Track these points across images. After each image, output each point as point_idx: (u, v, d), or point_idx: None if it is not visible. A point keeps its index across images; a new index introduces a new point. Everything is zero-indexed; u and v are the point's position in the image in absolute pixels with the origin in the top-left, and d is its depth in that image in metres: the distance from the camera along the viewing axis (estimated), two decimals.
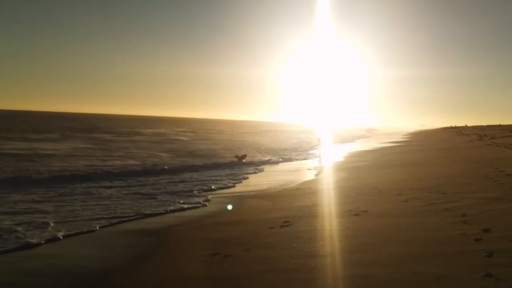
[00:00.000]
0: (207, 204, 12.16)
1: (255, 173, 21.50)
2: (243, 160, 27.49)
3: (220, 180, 17.92)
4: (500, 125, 74.46)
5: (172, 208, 11.42)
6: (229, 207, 10.00)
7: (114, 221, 9.85)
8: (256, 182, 17.86)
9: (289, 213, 9.86)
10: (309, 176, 19.60)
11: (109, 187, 15.31)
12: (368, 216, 8.80)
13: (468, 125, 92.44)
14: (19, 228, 9.00)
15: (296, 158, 31.64)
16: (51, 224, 9.40)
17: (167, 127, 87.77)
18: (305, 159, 30.43)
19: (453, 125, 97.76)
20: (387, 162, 23.02)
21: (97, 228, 9.27)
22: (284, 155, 34.02)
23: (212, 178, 18.68)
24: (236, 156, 28.43)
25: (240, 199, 13.00)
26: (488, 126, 77.68)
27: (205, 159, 28.33)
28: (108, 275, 6.36)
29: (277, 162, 28.08)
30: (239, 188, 15.91)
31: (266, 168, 24.15)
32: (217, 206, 11.84)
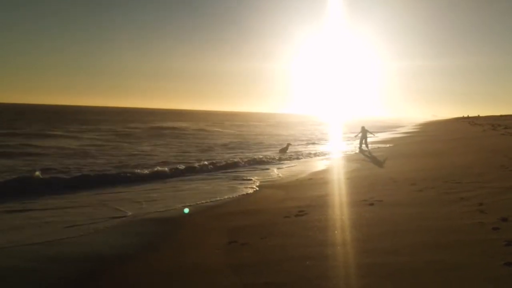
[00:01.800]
0: None
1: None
2: (287, 151, 27.66)
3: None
4: None
5: None
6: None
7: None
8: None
9: (303, 202, 9.87)
10: (322, 165, 19.57)
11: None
12: (383, 205, 8.78)
13: (481, 115, 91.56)
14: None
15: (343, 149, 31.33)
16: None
17: (186, 121, 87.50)
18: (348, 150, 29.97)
19: (466, 115, 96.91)
20: (400, 153, 22.92)
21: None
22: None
23: None
24: (282, 149, 28.52)
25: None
26: (501, 116, 76.83)
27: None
28: (127, 262, 6.43)
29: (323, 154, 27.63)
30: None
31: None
32: None
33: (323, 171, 17.20)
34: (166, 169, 17.28)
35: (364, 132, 28.06)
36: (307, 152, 28.19)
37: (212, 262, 6.08)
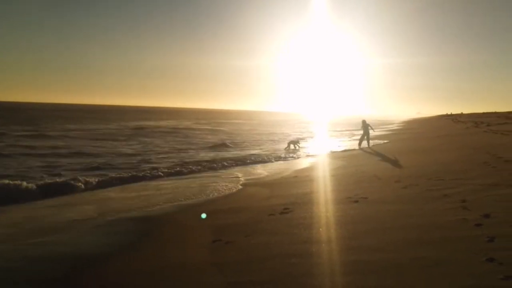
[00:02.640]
0: None
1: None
2: (297, 146, 27.83)
3: None
4: (496, 112, 74.55)
5: None
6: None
7: None
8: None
9: (288, 200, 9.87)
10: (307, 163, 19.61)
11: None
12: (368, 202, 8.82)
13: (464, 112, 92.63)
14: None
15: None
16: None
17: (165, 120, 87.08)
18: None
19: (449, 112, 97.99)
20: (385, 150, 23.03)
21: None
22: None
23: None
24: (289, 144, 28.56)
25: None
26: (484, 113, 77.76)
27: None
28: (109, 261, 6.35)
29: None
30: None
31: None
32: None
33: (308, 169, 17.24)
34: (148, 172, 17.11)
35: (366, 127, 26.60)
36: (306, 150, 28.13)
37: (196, 260, 6.03)
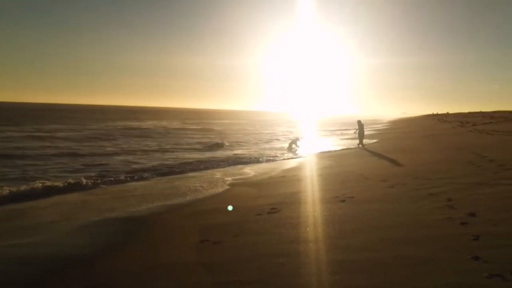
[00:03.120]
0: None
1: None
2: (296, 146, 27.60)
3: None
4: (481, 112, 75.43)
5: None
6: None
7: None
8: None
9: (276, 200, 9.88)
10: (295, 163, 19.64)
11: None
12: (355, 202, 8.86)
13: (450, 112, 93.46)
14: None
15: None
16: None
17: (166, 119, 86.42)
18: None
19: (435, 112, 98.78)
20: (371, 150, 23.16)
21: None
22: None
23: None
24: (291, 144, 28.38)
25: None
26: (469, 113, 78.57)
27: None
28: (95, 262, 6.32)
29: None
30: None
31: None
32: None
33: (296, 169, 17.28)
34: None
35: (361, 127, 26.91)
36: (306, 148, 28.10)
37: (184, 261, 6.01)
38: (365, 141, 27.95)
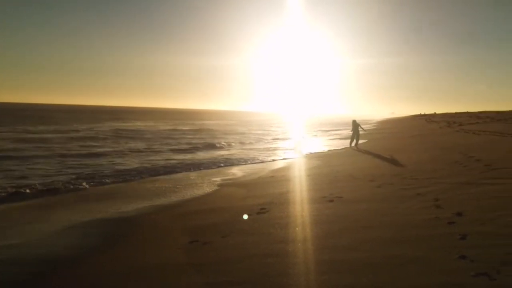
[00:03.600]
0: None
1: None
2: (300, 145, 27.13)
3: None
4: (468, 112, 76.01)
5: None
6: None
7: None
8: None
9: (265, 200, 9.89)
10: (283, 163, 19.66)
11: None
12: (343, 202, 8.90)
13: (437, 112, 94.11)
14: None
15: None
16: None
17: (154, 120, 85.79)
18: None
19: (423, 112, 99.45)
20: (360, 150, 23.26)
21: None
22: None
23: None
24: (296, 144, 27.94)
25: None
26: (456, 113, 79.17)
27: None
28: (83, 263, 6.28)
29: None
30: None
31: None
32: None
33: (284, 169, 17.30)
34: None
35: (356, 127, 26.31)
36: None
37: (173, 261, 5.99)
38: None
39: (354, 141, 26.18)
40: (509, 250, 4.96)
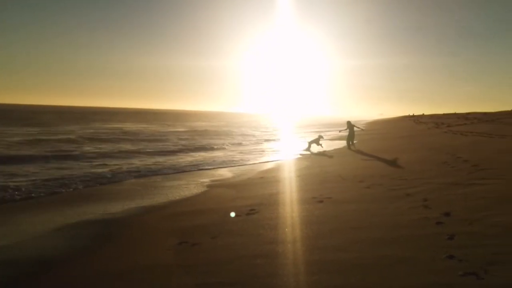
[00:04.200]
0: None
1: None
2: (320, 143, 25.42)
3: None
4: (455, 113, 76.55)
5: None
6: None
7: None
8: None
9: (254, 201, 9.88)
10: (273, 164, 19.67)
11: None
12: (332, 202, 8.93)
13: (426, 113, 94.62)
14: None
15: None
16: None
17: (144, 122, 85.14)
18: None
19: (411, 113, 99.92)
20: (349, 151, 23.36)
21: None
22: None
23: None
24: (310, 144, 25.62)
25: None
26: (444, 114, 79.71)
27: None
28: (72, 264, 6.22)
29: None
30: None
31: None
32: None
33: (274, 169, 17.31)
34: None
35: (351, 128, 25.66)
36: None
37: (163, 262, 5.96)
38: (342, 142, 27.72)
39: (351, 141, 25.38)
40: (496, 250, 5.02)
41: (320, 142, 25.65)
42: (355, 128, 26.11)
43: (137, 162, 20.97)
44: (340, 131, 29.17)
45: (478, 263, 4.66)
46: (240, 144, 35.54)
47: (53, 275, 5.87)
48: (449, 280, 4.30)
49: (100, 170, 17.32)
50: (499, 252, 4.96)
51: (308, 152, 24.44)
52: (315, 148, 25.36)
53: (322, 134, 27.21)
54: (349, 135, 25.73)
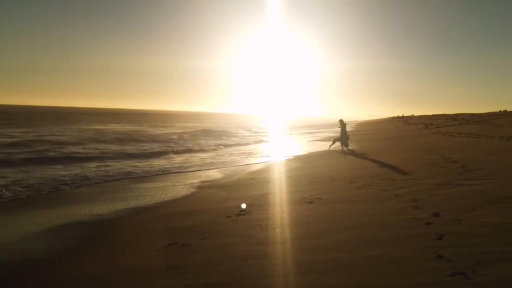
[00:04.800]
0: None
1: None
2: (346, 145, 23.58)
3: None
4: (444, 114, 77.11)
5: None
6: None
7: None
8: None
9: (245, 202, 9.87)
10: (263, 164, 19.69)
11: None
12: (322, 203, 8.96)
13: (415, 114, 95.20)
14: None
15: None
16: None
17: (133, 123, 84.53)
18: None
19: (401, 114, 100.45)
20: (339, 151, 23.40)
21: None
22: None
23: None
24: (334, 141, 24.54)
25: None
26: (433, 115, 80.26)
27: None
28: (58, 267, 6.19)
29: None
30: None
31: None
32: None
33: (264, 170, 17.32)
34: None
35: (344, 127, 23.52)
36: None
37: (152, 264, 5.93)
38: (330, 143, 26.01)
39: (347, 142, 23.39)
40: (484, 250, 5.07)
41: (345, 142, 23.58)
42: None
43: (127, 164, 20.88)
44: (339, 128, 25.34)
45: (466, 262, 4.70)
46: (230, 145, 35.50)
47: (39, 277, 5.83)
48: (437, 280, 4.33)
49: (71, 173, 17.12)
50: (487, 251, 5.02)
51: (336, 148, 23.44)
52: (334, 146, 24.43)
53: (346, 135, 24.33)
54: (341, 135, 23.67)
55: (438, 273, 4.50)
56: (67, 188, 13.69)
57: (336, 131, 25.23)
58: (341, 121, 24.27)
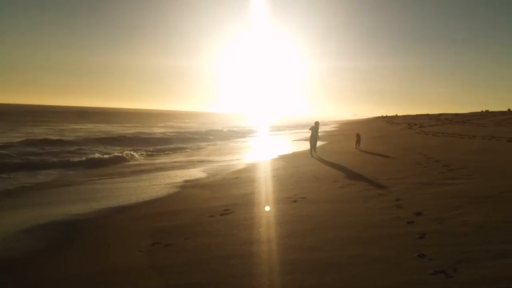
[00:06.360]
0: None
1: None
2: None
3: None
4: (428, 114, 77.99)
5: None
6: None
7: None
8: None
9: (229, 201, 9.84)
10: (248, 164, 19.66)
11: None
12: (306, 202, 8.98)
13: (399, 114, 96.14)
14: None
15: None
16: None
17: (121, 123, 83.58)
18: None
19: (384, 114, 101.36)
20: (323, 151, 23.46)
21: None
22: None
23: None
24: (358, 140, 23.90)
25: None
26: (417, 115, 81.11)
27: None
28: (38, 267, 6.07)
29: None
30: None
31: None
32: None
33: (249, 169, 17.27)
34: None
35: (316, 130, 21.97)
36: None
37: (134, 263, 5.87)
38: (318, 143, 23.48)
39: (315, 146, 21.86)
40: (465, 249, 5.13)
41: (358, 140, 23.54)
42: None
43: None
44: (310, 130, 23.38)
45: (447, 261, 4.76)
46: (215, 144, 35.44)
47: (15, 278, 5.73)
48: (419, 279, 4.38)
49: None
50: (468, 250, 5.08)
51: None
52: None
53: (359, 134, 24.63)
54: (311, 137, 22.04)
55: (420, 272, 4.54)
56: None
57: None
58: (316, 123, 22.71)
